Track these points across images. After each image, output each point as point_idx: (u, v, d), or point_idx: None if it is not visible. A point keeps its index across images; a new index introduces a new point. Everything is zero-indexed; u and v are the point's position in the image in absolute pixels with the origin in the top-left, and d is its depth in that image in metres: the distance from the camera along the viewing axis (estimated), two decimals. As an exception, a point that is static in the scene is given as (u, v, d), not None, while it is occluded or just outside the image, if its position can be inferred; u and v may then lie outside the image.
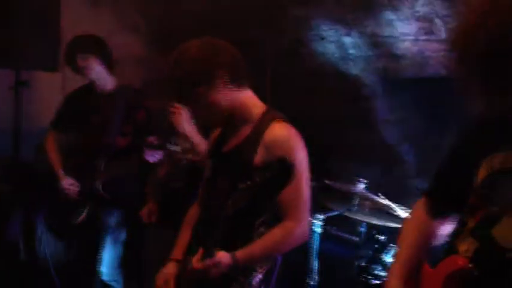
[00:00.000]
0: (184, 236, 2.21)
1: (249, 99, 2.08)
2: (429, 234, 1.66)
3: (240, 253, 1.91)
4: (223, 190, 1.96)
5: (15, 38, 3.52)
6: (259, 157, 1.94)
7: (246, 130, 2.03)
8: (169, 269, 2.13)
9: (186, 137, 2.85)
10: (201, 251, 1.89)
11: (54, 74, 3.87)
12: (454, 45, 1.39)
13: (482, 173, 1.43)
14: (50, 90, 3.83)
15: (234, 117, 2.05)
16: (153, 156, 3.13)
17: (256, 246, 1.95)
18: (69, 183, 3.41)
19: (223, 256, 1.88)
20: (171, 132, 2.93)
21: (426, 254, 1.64)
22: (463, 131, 1.62)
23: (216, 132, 2.23)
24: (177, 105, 2.77)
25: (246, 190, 1.74)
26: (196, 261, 1.88)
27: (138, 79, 4.81)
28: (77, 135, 3.55)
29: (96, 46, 3.42)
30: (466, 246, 1.44)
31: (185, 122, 2.80)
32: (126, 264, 3.54)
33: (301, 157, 1.97)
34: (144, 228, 3.47)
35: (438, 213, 1.65)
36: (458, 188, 1.51)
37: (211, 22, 3.83)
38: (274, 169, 1.69)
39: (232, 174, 1.96)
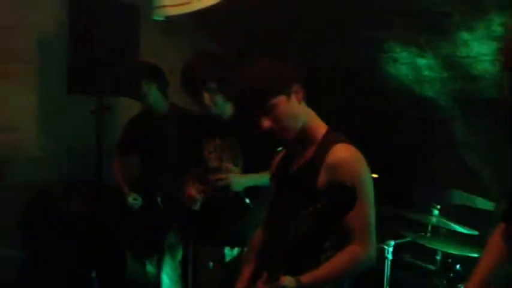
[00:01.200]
0: (249, 265, 2.20)
1: (315, 119, 2.08)
2: (500, 257, 1.61)
3: (305, 277, 1.87)
4: (286, 214, 1.94)
5: (97, 65, 3.70)
6: (322, 180, 1.92)
7: (310, 152, 2.02)
8: None
9: None
10: (265, 275, 1.87)
11: (134, 100, 4.03)
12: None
13: None
14: (129, 115, 3.99)
15: (300, 137, 2.04)
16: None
17: (321, 271, 1.92)
18: (132, 198, 3.70)
19: (287, 280, 1.84)
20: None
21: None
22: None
23: (280, 156, 2.23)
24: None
25: (309, 216, 1.72)
26: (261, 285, 1.86)
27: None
28: (140, 156, 3.82)
29: (155, 73, 3.65)
30: None
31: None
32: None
33: (365, 180, 1.93)
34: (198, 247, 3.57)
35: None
36: None
37: (284, 47, 3.88)
38: (337, 194, 1.66)
39: (295, 197, 1.95)
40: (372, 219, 1.95)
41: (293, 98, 1.98)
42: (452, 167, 3.65)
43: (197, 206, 3.07)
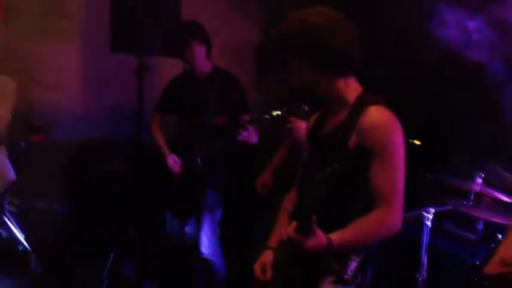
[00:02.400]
0: (281, 223, 2.19)
1: (350, 80, 2.00)
2: None
3: (334, 236, 1.82)
4: (313, 175, 1.88)
5: (138, 25, 3.71)
6: (353, 142, 1.85)
7: (343, 114, 1.96)
8: (266, 257, 2.13)
9: None
10: (295, 223, 1.80)
11: (175, 59, 4.02)
12: None
13: None
14: (170, 75, 3.98)
15: (332, 98, 1.99)
16: (245, 135, 3.30)
17: (349, 232, 1.86)
18: (172, 159, 3.69)
19: (320, 235, 1.78)
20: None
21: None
22: None
23: (314, 117, 2.19)
24: (292, 119, 2.86)
25: (326, 176, 1.69)
26: (291, 231, 1.79)
27: (254, 65, 4.90)
28: (178, 116, 3.81)
29: (203, 34, 3.60)
30: None
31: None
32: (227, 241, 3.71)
33: (397, 144, 1.86)
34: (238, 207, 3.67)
35: None
36: None
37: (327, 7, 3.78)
38: (354, 156, 1.62)
39: (325, 159, 1.86)
40: (400, 184, 1.87)
41: (320, 63, 1.93)
42: (500, 134, 3.52)
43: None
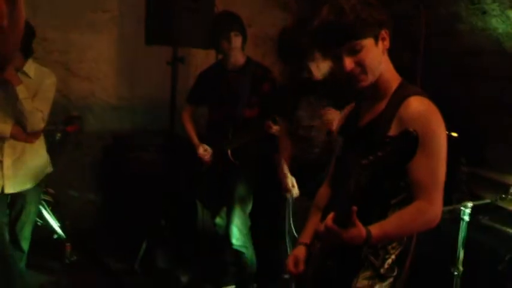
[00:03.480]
0: (313, 219, 2.14)
1: (390, 71, 1.94)
2: None
3: (374, 229, 1.76)
4: (350, 168, 1.78)
5: (173, 16, 3.71)
6: (393, 132, 1.80)
7: (381, 105, 1.90)
8: (298, 251, 2.09)
9: None
10: (333, 214, 1.74)
11: (208, 51, 4.02)
12: None
13: None
14: (204, 66, 3.98)
15: (372, 88, 1.91)
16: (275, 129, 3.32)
17: (390, 224, 1.81)
18: (203, 150, 3.70)
19: (359, 225, 1.71)
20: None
21: None
22: None
23: (348, 109, 2.13)
24: (329, 109, 2.84)
25: (368, 166, 1.62)
26: (330, 222, 1.72)
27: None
28: (210, 108, 3.80)
29: (242, 25, 3.56)
30: None
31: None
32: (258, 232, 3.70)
33: (439, 134, 1.79)
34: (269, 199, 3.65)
35: None
36: None
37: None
38: (398, 141, 1.55)
39: (365, 150, 1.76)
40: (441, 176, 1.81)
41: (380, 43, 1.84)
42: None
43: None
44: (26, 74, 3.14)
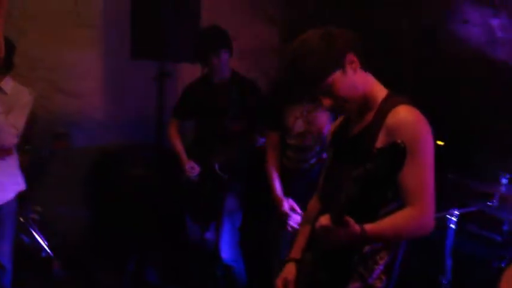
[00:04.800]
0: (303, 233, 2.14)
1: (374, 84, 1.96)
2: None
3: (369, 227, 1.77)
4: (340, 180, 1.83)
5: (159, 31, 3.72)
6: (380, 143, 1.81)
7: (369, 116, 1.92)
8: (288, 271, 2.08)
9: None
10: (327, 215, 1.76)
11: (195, 65, 4.03)
12: None
13: None
14: (190, 80, 3.98)
15: (359, 103, 1.93)
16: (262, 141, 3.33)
17: (384, 224, 1.81)
18: (190, 166, 3.64)
19: (353, 223, 1.72)
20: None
21: None
22: None
23: (337, 122, 2.15)
24: (317, 112, 2.86)
25: (358, 178, 1.64)
26: (324, 220, 1.75)
27: (273, 69, 4.89)
28: (196, 122, 3.79)
29: (230, 41, 3.57)
30: None
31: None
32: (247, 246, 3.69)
33: (426, 142, 1.81)
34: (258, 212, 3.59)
35: None
36: None
37: (349, 10, 3.76)
38: (386, 153, 1.56)
39: (353, 161, 1.79)
40: (430, 182, 1.82)
41: (348, 69, 1.86)
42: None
43: None
44: (2, 90, 3.13)
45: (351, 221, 1.72)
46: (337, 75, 1.84)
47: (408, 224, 1.82)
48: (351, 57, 1.86)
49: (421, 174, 1.79)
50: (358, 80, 1.89)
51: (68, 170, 4.32)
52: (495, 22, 3.38)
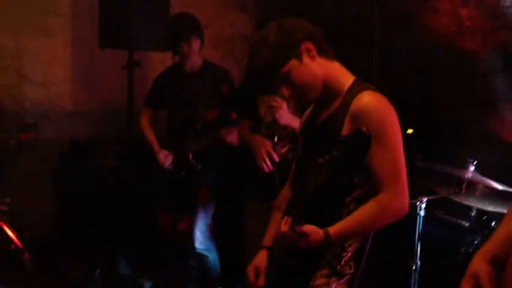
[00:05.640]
0: (275, 221, 2.14)
1: (339, 72, 1.98)
2: None
3: (333, 229, 1.81)
4: (309, 167, 1.85)
5: (127, 19, 3.66)
6: (346, 129, 1.83)
7: (336, 104, 1.93)
8: (260, 259, 2.08)
9: (288, 127, 2.92)
10: (289, 220, 1.81)
11: (165, 53, 3.99)
12: None
13: None
14: (160, 69, 3.94)
15: (325, 91, 1.95)
16: (228, 133, 3.33)
17: (350, 222, 1.84)
18: (163, 156, 3.62)
19: (314, 230, 1.78)
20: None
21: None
22: None
23: (307, 111, 2.16)
24: (277, 99, 2.83)
25: (325, 165, 1.65)
26: (284, 227, 1.80)
27: (247, 58, 4.86)
28: (168, 111, 3.75)
29: (201, 28, 3.53)
30: None
31: (286, 113, 2.86)
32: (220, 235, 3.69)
33: (392, 126, 1.83)
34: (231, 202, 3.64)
35: None
36: None
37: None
38: (351, 140, 1.58)
39: (321, 149, 1.81)
40: (402, 166, 1.84)
41: (305, 57, 1.89)
42: (488, 124, 3.50)
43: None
44: None
45: (311, 229, 1.77)
46: (293, 63, 1.88)
47: (379, 214, 1.84)
48: (307, 45, 1.89)
49: (391, 158, 1.81)
50: (317, 68, 1.92)
51: (36, 161, 4.25)
52: (463, 12, 3.42)
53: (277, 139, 2.96)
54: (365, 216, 1.84)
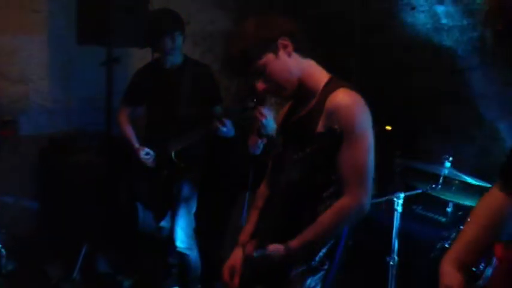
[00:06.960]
0: (252, 219, 2.17)
1: (315, 69, 2.00)
2: (503, 213, 1.51)
3: (293, 243, 1.86)
4: (285, 164, 1.89)
5: (106, 15, 3.62)
6: (321, 127, 1.84)
7: (312, 102, 1.95)
8: (235, 257, 2.10)
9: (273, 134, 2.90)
10: (255, 241, 1.91)
11: (145, 50, 3.96)
12: None
13: None
14: (140, 65, 3.90)
15: (301, 88, 1.97)
16: (224, 131, 3.28)
17: (308, 233, 1.88)
18: (144, 153, 3.58)
19: (275, 249, 1.86)
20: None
21: (499, 235, 1.50)
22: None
23: (285, 109, 2.17)
24: (261, 108, 2.84)
25: (298, 162, 1.67)
26: (250, 249, 1.91)
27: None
28: (148, 108, 3.72)
29: (183, 24, 3.50)
30: None
31: (270, 122, 2.86)
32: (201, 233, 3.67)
33: (363, 124, 1.84)
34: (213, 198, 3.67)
35: None
36: None
37: None
38: (324, 138, 1.60)
39: (296, 146, 1.84)
40: (368, 166, 1.85)
41: (281, 53, 1.91)
42: (468, 118, 3.54)
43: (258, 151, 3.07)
44: None
45: (271, 248, 1.86)
46: (269, 58, 1.90)
47: (340, 218, 1.87)
48: (284, 41, 1.91)
49: (354, 159, 1.82)
50: (293, 65, 1.94)
51: (15, 158, 4.21)
52: (440, 9, 3.45)
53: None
54: (324, 225, 1.87)
